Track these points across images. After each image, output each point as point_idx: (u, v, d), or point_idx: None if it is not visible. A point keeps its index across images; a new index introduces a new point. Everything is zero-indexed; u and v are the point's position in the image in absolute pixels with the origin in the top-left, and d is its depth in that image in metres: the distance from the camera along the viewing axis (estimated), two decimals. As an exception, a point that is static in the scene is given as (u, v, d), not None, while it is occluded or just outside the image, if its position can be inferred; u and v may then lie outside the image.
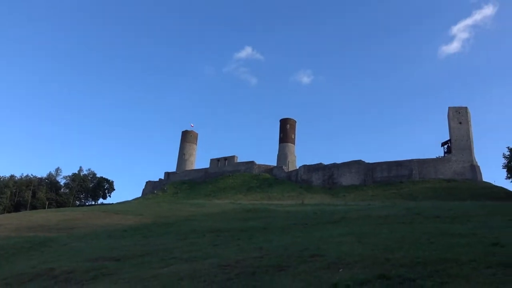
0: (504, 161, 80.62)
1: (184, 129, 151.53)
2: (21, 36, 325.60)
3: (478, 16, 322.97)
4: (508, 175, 79.74)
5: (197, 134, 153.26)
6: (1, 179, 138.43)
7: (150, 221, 46.85)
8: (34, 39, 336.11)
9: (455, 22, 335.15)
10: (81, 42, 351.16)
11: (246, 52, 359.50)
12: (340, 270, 11.96)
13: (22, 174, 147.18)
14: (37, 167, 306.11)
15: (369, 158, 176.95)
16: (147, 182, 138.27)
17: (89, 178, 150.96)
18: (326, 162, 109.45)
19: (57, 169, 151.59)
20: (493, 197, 70.25)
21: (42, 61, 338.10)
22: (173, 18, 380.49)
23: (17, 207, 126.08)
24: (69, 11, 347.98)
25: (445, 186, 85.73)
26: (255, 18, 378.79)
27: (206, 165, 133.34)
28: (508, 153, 79.42)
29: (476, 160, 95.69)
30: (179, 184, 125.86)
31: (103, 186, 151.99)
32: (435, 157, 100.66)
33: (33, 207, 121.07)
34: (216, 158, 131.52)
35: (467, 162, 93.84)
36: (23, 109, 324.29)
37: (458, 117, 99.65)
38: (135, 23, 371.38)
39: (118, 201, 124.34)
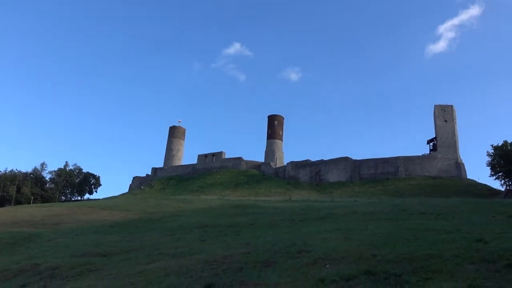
0: (488, 158, 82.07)
1: (171, 125, 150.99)
2: (7, 29, 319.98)
3: (464, 16, 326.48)
4: (492, 173, 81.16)
5: (184, 129, 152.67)
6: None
7: (137, 217, 46.63)
8: (22, 31, 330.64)
9: (442, 22, 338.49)
10: (70, 38, 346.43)
11: (235, 48, 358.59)
12: (327, 266, 12.03)
13: (7, 168, 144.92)
14: (22, 162, 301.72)
15: (356, 155, 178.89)
16: (134, 178, 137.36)
17: (75, 173, 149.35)
18: (313, 158, 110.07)
19: (43, 164, 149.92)
20: (477, 194, 71.43)
21: (29, 55, 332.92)
22: (162, 14, 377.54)
23: (1, 202, 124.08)
24: (61, 9, 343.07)
25: (431, 183, 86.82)
26: (244, 14, 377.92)
27: (194, 161, 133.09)
28: (492, 151, 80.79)
29: (461, 158, 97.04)
30: (167, 179, 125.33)
31: (89, 182, 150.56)
32: (421, 155, 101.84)
33: (18, 202, 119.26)
34: (204, 154, 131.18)
35: (452, 159, 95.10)
36: (8, 103, 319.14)
37: (444, 115, 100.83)
38: (123, 19, 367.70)
39: (104, 197, 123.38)
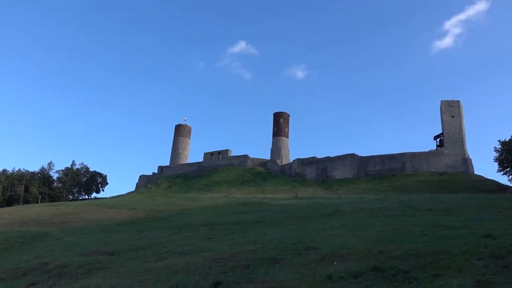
0: (495, 154, 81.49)
1: (177, 123, 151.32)
2: (12, 25, 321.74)
3: (471, 11, 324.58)
4: (500, 168, 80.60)
5: (190, 128, 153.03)
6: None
7: (144, 215, 46.80)
8: (24, 28, 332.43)
9: (448, 17, 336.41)
10: (75, 37, 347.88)
11: (240, 46, 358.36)
12: (334, 262, 12.02)
13: (14, 168, 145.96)
14: (29, 162, 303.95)
15: (362, 152, 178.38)
16: (140, 176, 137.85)
17: (82, 172, 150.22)
18: (319, 155, 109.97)
19: (50, 163, 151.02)
20: (484, 189, 70.89)
21: (34, 52, 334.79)
22: (166, 12, 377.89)
23: (9, 201, 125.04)
24: (65, 6, 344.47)
25: (438, 179, 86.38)
26: (249, 12, 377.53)
27: (200, 159, 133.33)
28: (500, 146, 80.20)
29: (468, 153, 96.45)
30: (173, 178, 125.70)
31: (96, 180, 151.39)
32: (427, 151, 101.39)
33: (26, 202, 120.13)
34: (210, 152, 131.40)
35: (459, 155, 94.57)
36: (15, 102, 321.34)
37: (451, 110, 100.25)
38: (126, 19, 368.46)
39: (111, 195, 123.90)
